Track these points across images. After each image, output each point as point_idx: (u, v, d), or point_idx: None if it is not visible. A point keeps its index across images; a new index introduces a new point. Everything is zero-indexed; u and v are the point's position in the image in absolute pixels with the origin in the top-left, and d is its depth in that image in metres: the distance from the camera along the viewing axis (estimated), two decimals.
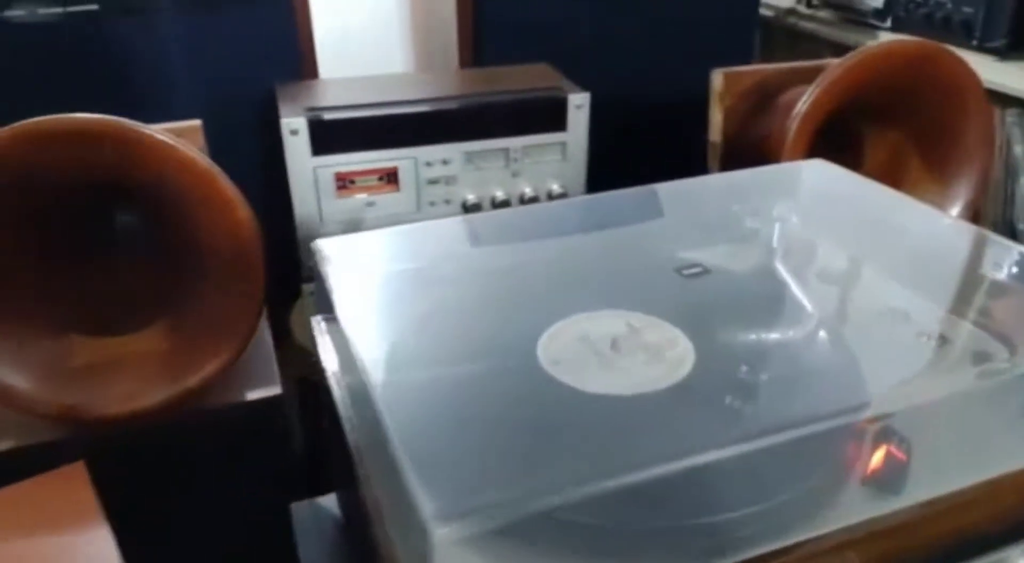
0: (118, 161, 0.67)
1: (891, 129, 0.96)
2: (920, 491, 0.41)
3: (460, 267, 0.58)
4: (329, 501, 0.71)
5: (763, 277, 0.57)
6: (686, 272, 0.53)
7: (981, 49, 1.23)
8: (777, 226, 0.63)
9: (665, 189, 0.65)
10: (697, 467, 0.35)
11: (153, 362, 0.74)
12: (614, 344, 0.48)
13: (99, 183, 0.70)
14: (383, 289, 0.54)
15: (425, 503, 0.32)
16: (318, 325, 0.59)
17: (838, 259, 0.61)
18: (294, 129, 0.98)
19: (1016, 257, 0.55)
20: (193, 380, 0.73)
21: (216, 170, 0.69)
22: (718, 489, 0.38)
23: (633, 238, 0.62)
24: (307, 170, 1.00)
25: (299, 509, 0.70)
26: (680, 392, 0.42)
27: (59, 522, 0.53)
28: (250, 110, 1.09)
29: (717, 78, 1.06)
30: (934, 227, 0.64)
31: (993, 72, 1.17)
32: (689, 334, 0.48)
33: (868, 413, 0.39)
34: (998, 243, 0.58)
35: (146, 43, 1.02)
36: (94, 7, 1.02)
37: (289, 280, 1.08)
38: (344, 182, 1.02)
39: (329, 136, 0.99)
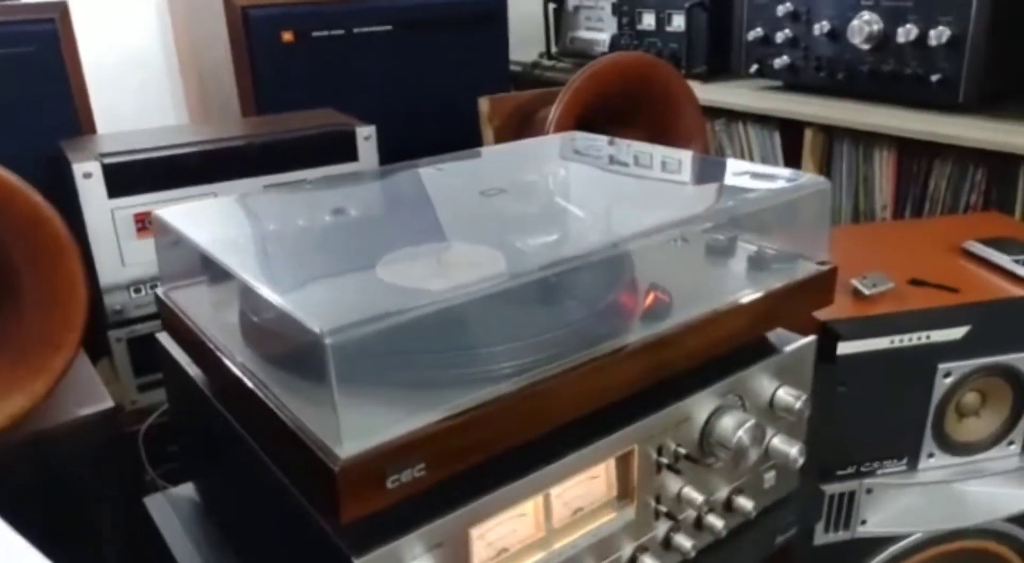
0: None
1: (629, 129, 1.16)
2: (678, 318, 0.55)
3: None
4: (184, 490, 0.73)
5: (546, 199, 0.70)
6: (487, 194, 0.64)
7: (689, 75, 1.50)
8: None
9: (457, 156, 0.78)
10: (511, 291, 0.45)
11: None
12: (438, 261, 0.57)
13: None
14: (230, 240, 0.59)
15: (312, 323, 0.40)
16: (163, 295, 0.63)
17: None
18: (87, 172, 0.99)
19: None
20: (20, 400, 0.73)
21: (20, 182, 0.71)
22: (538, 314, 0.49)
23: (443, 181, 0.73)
24: (104, 213, 1.01)
25: (153, 502, 0.72)
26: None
27: None
28: (34, 168, 1.08)
29: (484, 103, 1.22)
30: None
31: (701, 92, 1.43)
32: (495, 247, 0.58)
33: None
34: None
35: None
36: None
37: (92, 336, 1.06)
38: (144, 223, 1.04)
39: (125, 177, 1.01)
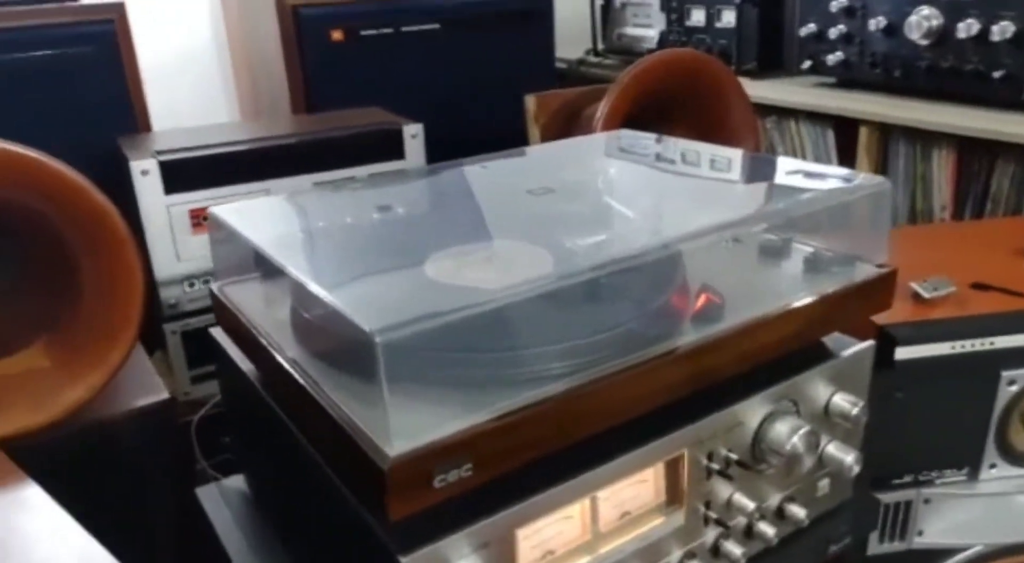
0: None
1: (677, 126, 1.14)
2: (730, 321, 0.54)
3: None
4: (235, 481, 0.74)
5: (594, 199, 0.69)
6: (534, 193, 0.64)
7: (739, 72, 1.48)
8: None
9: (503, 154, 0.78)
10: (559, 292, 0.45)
11: (35, 380, 0.75)
12: (487, 260, 0.57)
13: None
14: (282, 237, 0.60)
15: (363, 322, 0.40)
16: (217, 290, 0.64)
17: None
18: (144, 170, 1.01)
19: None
20: (80, 391, 0.75)
21: (83, 180, 0.73)
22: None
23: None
24: (160, 209, 1.03)
25: (205, 493, 0.73)
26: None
27: None
28: (92, 164, 1.10)
29: (530, 101, 1.21)
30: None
31: (750, 88, 1.41)
32: (543, 246, 0.58)
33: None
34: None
35: None
36: None
37: (148, 328, 1.09)
38: (199, 219, 1.06)
39: (181, 174, 1.03)
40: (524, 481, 0.48)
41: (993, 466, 0.80)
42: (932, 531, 0.82)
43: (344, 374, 0.46)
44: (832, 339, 0.64)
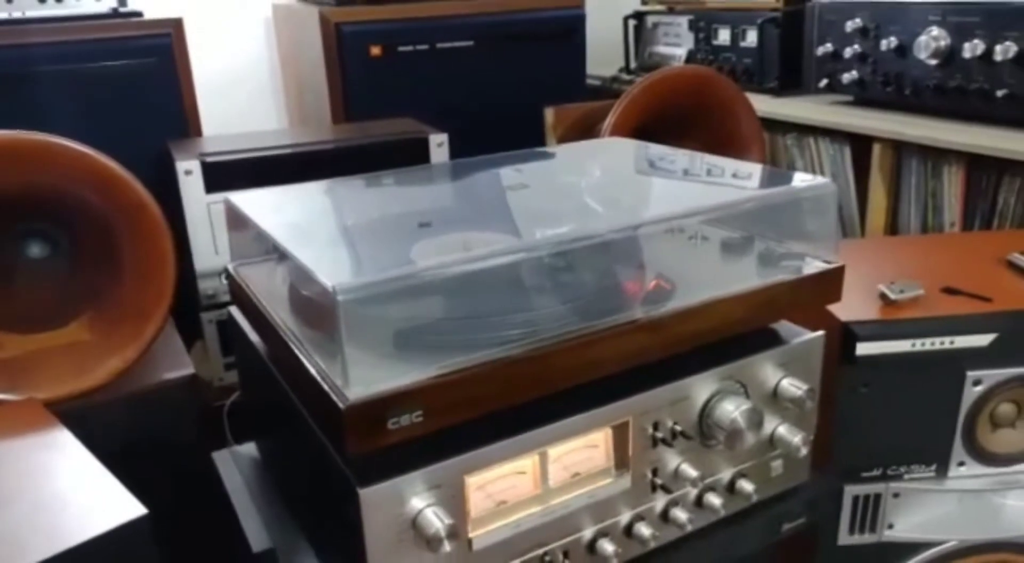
0: (34, 171, 0.79)
1: (688, 140, 1.20)
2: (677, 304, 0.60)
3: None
4: (247, 448, 0.83)
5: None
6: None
7: (761, 90, 1.53)
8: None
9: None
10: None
11: (78, 351, 0.85)
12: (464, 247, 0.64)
13: (19, 195, 0.81)
14: (285, 221, 0.68)
15: (327, 281, 0.48)
16: (232, 270, 0.72)
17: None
18: (188, 170, 1.12)
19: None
20: (116, 363, 0.84)
21: (128, 175, 0.83)
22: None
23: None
24: (202, 207, 1.14)
25: (220, 456, 0.81)
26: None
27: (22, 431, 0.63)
28: (146, 165, 1.22)
29: (549, 113, 1.29)
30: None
31: (772, 105, 1.46)
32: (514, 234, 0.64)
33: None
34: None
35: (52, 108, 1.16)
36: None
37: (186, 319, 1.19)
38: None
39: (221, 175, 1.13)
40: (476, 434, 0.55)
41: (962, 464, 0.83)
42: (903, 525, 0.85)
43: (318, 331, 0.54)
44: (786, 329, 0.70)
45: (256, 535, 0.69)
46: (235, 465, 0.80)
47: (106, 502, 0.53)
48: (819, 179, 0.67)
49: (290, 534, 0.69)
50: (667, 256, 0.64)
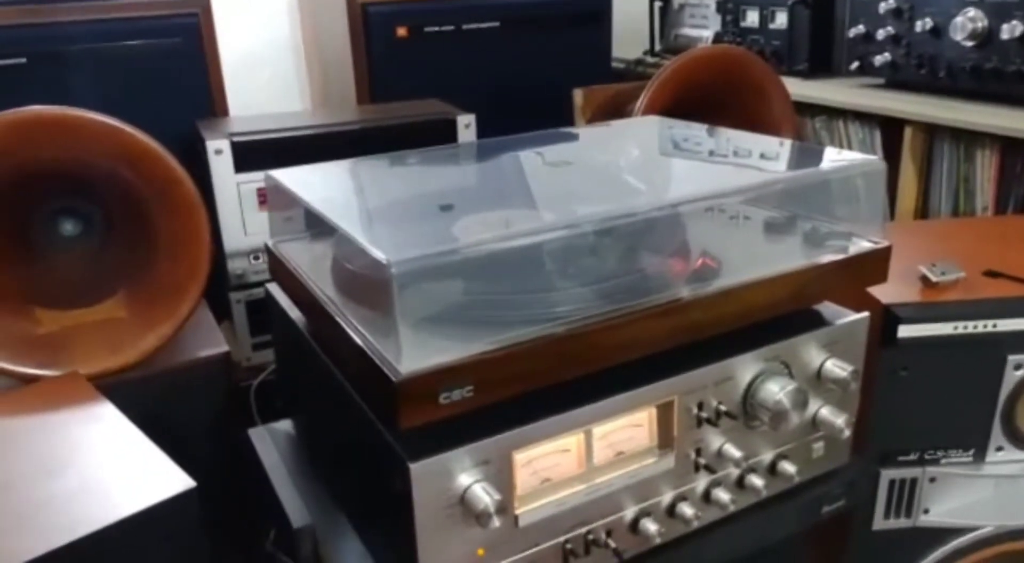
0: (67, 146, 0.79)
1: (720, 121, 1.19)
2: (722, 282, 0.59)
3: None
4: (282, 425, 0.83)
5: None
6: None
7: (790, 72, 1.51)
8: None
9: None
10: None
11: (114, 328, 0.85)
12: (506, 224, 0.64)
13: (53, 171, 0.81)
14: (329, 196, 0.68)
15: (381, 255, 0.47)
16: (272, 246, 0.72)
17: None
18: (218, 149, 1.11)
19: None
20: (151, 340, 0.84)
21: (162, 149, 0.82)
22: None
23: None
24: (231, 186, 1.13)
25: (256, 433, 0.81)
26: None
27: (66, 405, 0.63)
28: (175, 144, 1.22)
29: (578, 95, 1.28)
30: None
31: (801, 88, 1.44)
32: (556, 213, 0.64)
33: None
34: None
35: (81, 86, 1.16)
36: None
37: (215, 299, 1.19)
38: (265, 197, 1.15)
39: (251, 154, 1.13)
40: (523, 411, 0.54)
41: (1000, 449, 0.83)
42: (939, 510, 0.85)
43: (368, 308, 0.54)
44: (830, 311, 0.69)
45: (295, 511, 0.69)
46: (272, 442, 0.80)
47: (155, 474, 0.54)
48: (868, 157, 0.66)
49: (328, 510, 0.69)
50: (712, 235, 0.64)
